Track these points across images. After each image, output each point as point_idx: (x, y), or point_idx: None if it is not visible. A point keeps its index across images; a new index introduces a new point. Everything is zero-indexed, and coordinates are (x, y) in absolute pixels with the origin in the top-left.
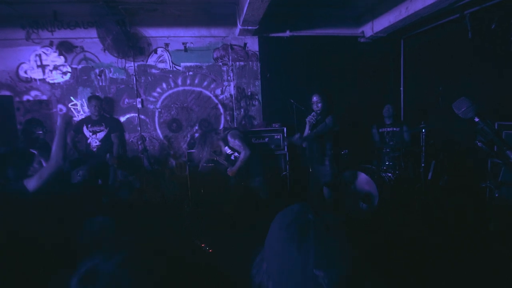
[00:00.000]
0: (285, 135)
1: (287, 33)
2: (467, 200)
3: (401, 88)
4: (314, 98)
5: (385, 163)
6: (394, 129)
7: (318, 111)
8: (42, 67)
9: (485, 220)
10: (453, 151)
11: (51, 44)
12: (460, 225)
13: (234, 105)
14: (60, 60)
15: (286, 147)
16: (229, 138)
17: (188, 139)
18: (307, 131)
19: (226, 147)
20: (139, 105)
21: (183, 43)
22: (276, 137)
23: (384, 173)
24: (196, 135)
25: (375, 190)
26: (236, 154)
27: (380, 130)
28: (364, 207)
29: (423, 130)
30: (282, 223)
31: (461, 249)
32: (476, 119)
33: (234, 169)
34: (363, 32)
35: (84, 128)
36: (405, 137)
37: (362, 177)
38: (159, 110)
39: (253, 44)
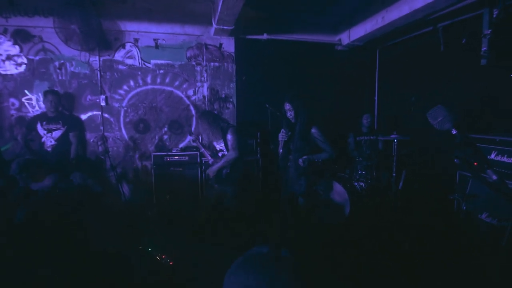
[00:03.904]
0: (259, 140)
1: (265, 36)
2: (435, 211)
3: (375, 98)
4: (286, 106)
5: (358, 172)
6: (371, 137)
7: (291, 119)
8: None
9: (452, 232)
10: (424, 161)
11: (5, 32)
12: (426, 236)
13: (207, 107)
14: (15, 49)
15: (259, 153)
16: (229, 132)
17: (156, 141)
18: (280, 149)
19: (221, 141)
20: (103, 103)
21: (154, 39)
22: (249, 142)
23: (356, 182)
24: (165, 137)
25: (347, 199)
26: (225, 152)
27: (358, 138)
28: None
29: (395, 140)
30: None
31: (424, 261)
32: (454, 132)
33: (215, 169)
34: (340, 39)
35: (38, 126)
36: (380, 146)
37: (335, 186)
38: (125, 109)
39: (229, 45)
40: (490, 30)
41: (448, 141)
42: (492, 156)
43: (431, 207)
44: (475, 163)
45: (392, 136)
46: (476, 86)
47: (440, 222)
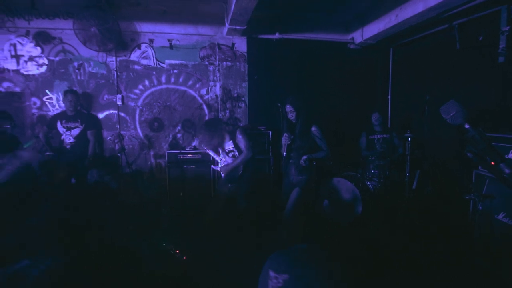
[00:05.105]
0: (270, 139)
1: (277, 35)
2: (450, 211)
3: (389, 96)
4: (287, 108)
5: (370, 171)
6: (385, 136)
7: (293, 120)
8: (17, 57)
9: (467, 233)
10: (438, 161)
11: (27, 34)
12: (441, 237)
13: (219, 106)
14: (37, 51)
15: (271, 151)
16: (238, 133)
17: (170, 139)
18: (284, 152)
19: (230, 142)
20: (119, 102)
21: (168, 40)
22: (261, 141)
23: (368, 181)
24: (179, 135)
25: (359, 199)
26: (235, 153)
27: (370, 137)
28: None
29: (409, 139)
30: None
31: (440, 261)
32: (467, 126)
33: (229, 168)
34: (352, 38)
35: (58, 124)
36: (396, 142)
37: (347, 185)
38: (141, 108)
39: (241, 45)
40: (508, 27)
41: (462, 139)
42: (510, 155)
43: (446, 208)
44: (492, 163)
45: (406, 135)
46: (493, 84)
47: (456, 222)
